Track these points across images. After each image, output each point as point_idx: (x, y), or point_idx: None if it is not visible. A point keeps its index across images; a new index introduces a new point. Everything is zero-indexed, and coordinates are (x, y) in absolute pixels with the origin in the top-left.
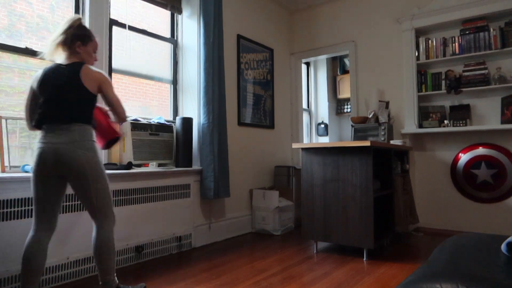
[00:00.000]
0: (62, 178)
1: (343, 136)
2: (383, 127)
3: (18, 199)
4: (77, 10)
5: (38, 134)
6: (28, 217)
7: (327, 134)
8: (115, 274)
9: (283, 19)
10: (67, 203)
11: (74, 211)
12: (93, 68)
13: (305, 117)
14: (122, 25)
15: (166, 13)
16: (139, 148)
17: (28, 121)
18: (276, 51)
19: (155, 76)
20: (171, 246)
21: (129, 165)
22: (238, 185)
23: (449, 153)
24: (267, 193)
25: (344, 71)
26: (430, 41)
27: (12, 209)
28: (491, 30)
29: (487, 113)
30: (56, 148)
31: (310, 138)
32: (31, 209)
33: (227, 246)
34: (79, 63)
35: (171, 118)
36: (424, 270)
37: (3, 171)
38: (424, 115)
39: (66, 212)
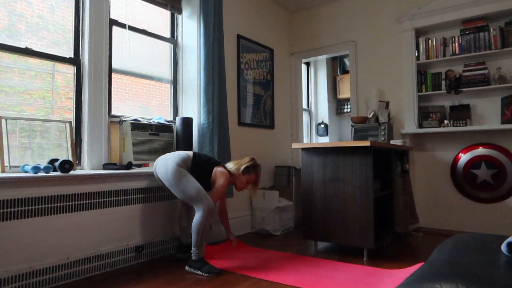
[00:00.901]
0: None
1: (343, 136)
2: (383, 127)
3: (18, 199)
4: (77, 10)
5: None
6: (28, 217)
7: (327, 134)
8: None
9: (283, 19)
10: (67, 203)
11: (74, 211)
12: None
13: (305, 117)
14: (122, 25)
15: (166, 13)
16: (139, 148)
17: None
18: (276, 51)
19: (155, 76)
20: (171, 246)
21: (129, 165)
22: None
23: (449, 153)
24: (267, 193)
25: (344, 71)
26: (430, 41)
27: (12, 209)
28: (491, 30)
29: (487, 113)
30: None
31: (310, 138)
32: (31, 209)
33: (227, 246)
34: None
35: (171, 118)
36: (424, 270)
37: (3, 171)
38: (424, 115)
39: (65, 212)
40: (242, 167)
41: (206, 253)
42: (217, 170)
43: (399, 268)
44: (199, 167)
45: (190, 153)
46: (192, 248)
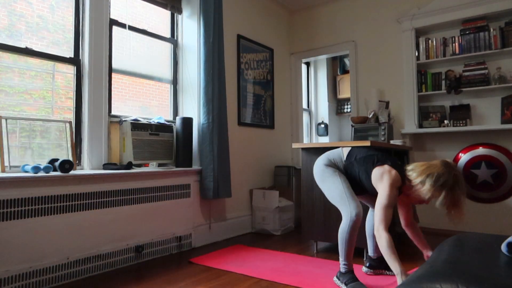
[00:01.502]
0: None
1: (343, 136)
2: (383, 127)
3: (18, 199)
4: (77, 10)
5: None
6: (28, 217)
7: (327, 134)
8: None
9: (283, 19)
10: (67, 203)
11: (74, 211)
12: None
13: (305, 117)
14: (122, 25)
15: (166, 13)
16: (139, 148)
17: None
18: (276, 51)
19: (155, 76)
20: (171, 246)
21: (129, 165)
22: (238, 185)
23: (449, 153)
24: (267, 193)
25: (344, 71)
26: (430, 41)
27: (12, 209)
28: (491, 30)
29: (487, 113)
30: None
31: (310, 138)
32: (31, 209)
33: (227, 246)
34: None
35: (171, 118)
36: (424, 270)
37: (3, 171)
38: (424, 115)
39: (65, 212)
40: (433, 178)
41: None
42: (377, 169)
43: None
44: (352, 166)
45: (346, 150)
46: (340, 258)
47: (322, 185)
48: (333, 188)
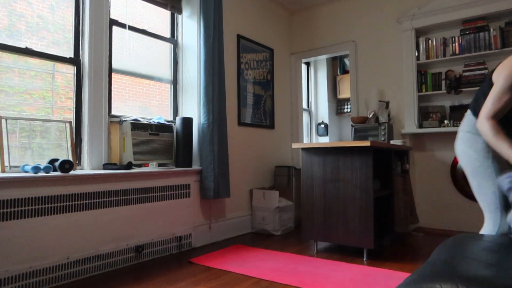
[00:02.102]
0: None
1: (343, 136)
2: (383, 127)
3: (18, 199)
4: (77, 10)
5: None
6: (28, 217)
7: (327, 134)
8: None
9: (283, 19)
10: (67, 203)
11: (74, 211)
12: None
13: (305, 117)
14: (122, 25)
15: (166, 13)
16: (139, 148)
17: None
18: (276, 51)
19: (155, 76)
20: (171, 246)
21: (129, 165)
22: (238, 185)
23: (449, 153)
24: (267, 193)
25: (344, 71)
26: (430, 41)
27: (12, 209)
28: (491, 30)
29: None
30: None
31: (310, 138)
32: (31, 209)
33: (227, 246)
34: None
35: (171, 118)
36: (424, 270)
37: (3, 171)
38: (424, 115)
39: (65, 212)
40: None
41: None
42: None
43: (399, 268)
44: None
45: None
46: None
47: (472, 180)
48: (483, 187)
